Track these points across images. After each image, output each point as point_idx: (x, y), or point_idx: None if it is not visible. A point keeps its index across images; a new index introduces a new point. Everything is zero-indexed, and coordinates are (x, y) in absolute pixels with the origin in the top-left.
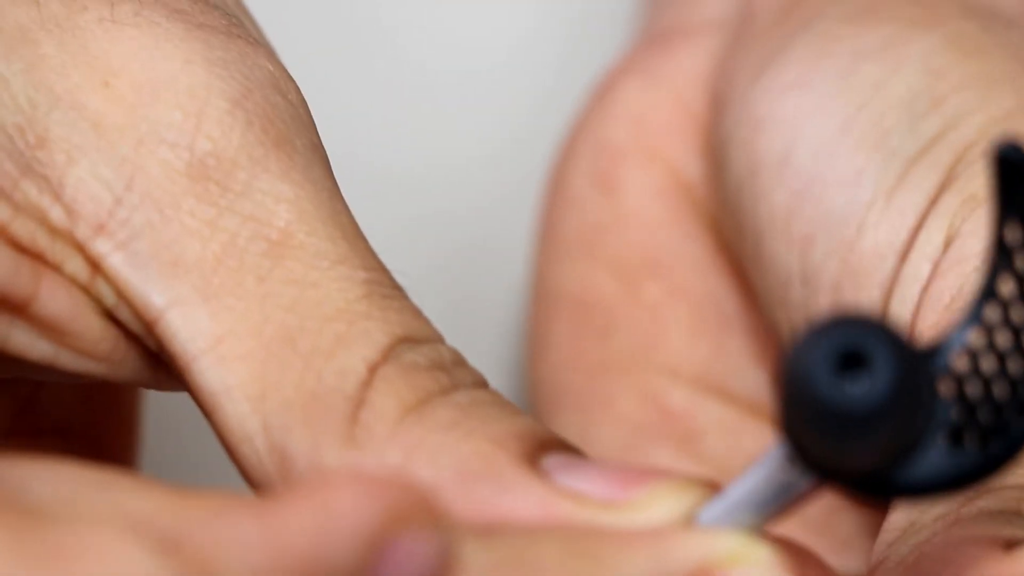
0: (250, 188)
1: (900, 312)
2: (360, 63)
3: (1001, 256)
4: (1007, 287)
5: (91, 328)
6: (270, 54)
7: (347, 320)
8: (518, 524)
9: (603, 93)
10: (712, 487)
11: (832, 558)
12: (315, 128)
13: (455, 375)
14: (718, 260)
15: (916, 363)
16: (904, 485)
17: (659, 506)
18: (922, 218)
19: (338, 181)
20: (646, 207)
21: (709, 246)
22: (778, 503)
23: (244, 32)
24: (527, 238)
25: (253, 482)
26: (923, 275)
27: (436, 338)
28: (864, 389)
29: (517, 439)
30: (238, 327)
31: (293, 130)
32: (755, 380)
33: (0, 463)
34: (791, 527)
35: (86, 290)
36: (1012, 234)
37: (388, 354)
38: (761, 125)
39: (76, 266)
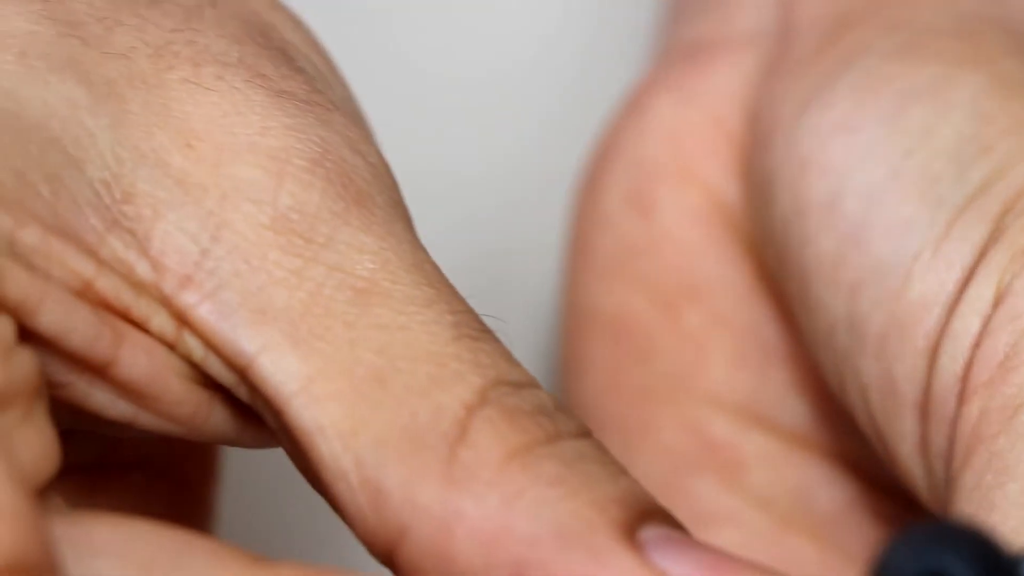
0: (333, 240)
1: (950, 367)
2: (379, 69)
3: None
4: None
5: (172, 391)
6: (349, 119)
7: (439, 362)
8: None
9: (635, 108)
10: None
11: None
12: (396, 187)
13: (558, 422)
14: (758, 287)
15: (1005, 568)
16: None
17: None
18: (971, 271)
19: None
20: (683, 230)
21: (748, 273)
22: None
23: (323, 99)
24: (551, 248)
25: (348, 520)
26: (973, 331)
27: (533, 383)
28: None
29: (619, 505)
30: (328, 368)
31: (373, 187)
32: (799, 410)
33: (74, 529)
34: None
35: (172, 347)
36: None
37: (485, 396)
38: (807, 166)
39: (162, 321)
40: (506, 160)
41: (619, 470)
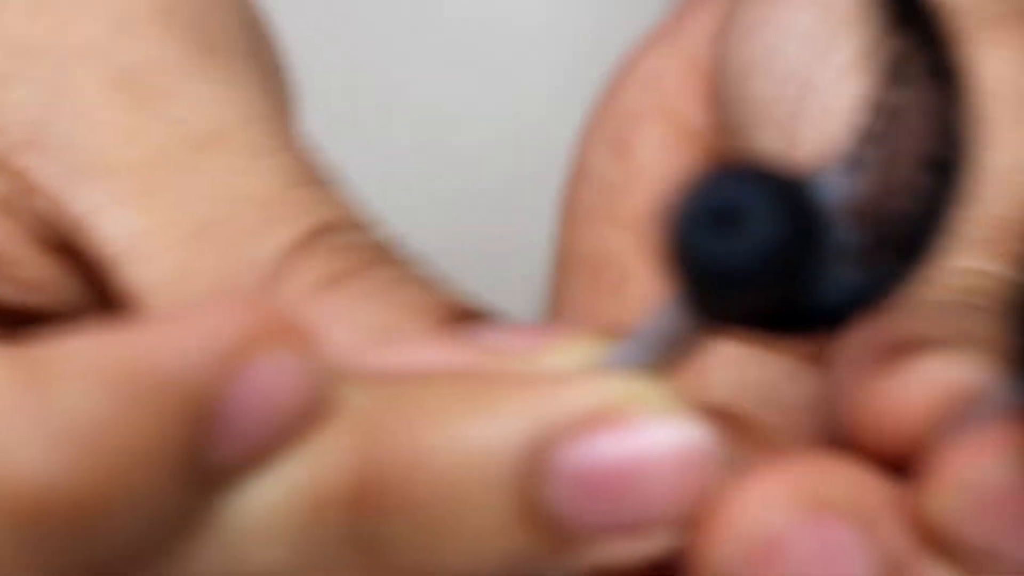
0: (174, 92)
1: None
2: (387, 35)
3: (888, 68)
4: (897, 99)
5: (23, 256)
6: None
7: (269, 208)
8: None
9: (624, 67)
10: (615, 333)
11: None
12: (258, 35)
13: (381, 254)
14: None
15: (801, 200)
16: (812, 316)
17: (563, 355)
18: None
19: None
20: (658, 163)
21: None
22: (677, 349)
23: None
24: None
25: None
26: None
27: (365, 225)
28: (743, 248)
29: (438, 308)
30: (163, 223)
31: (224, 36)
32: None
33: None
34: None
35: (19, 213)
36: (896, 45)
37: (310, 238)
38: (749, 29)
39: (5, 186)
40: (511, 129)
41: (440, 287)
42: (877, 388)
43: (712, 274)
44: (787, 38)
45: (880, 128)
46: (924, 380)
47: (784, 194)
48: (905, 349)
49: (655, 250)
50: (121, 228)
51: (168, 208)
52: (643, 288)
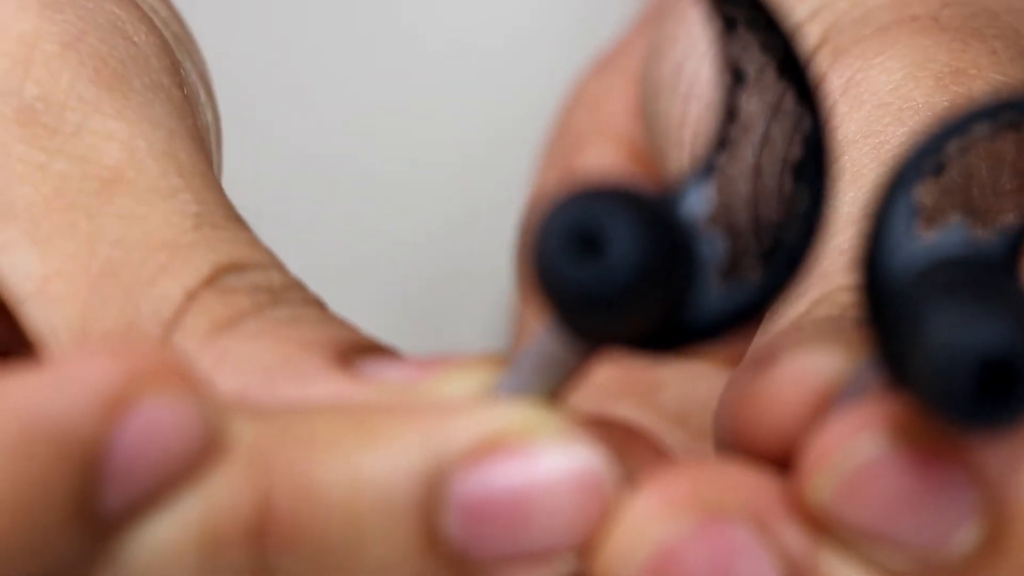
0: (80, 129)
1: None
2: (358, 53)
3: (734, 73)
4: (748, 103)
5: None
6: (123, 1)
7: (172, 251)
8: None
9: (573, 91)
10: (502, 360)
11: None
12: (167, 68)
13: (281, 295)
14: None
15: (664, 216)
16: (686, 333)
17: (454, 384)
18: None
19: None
20: None
21: None
22: (559, 374)
23: None
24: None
25: None
26: None
27: (269, 264)
28: (606, 270)
29: (330, 344)
30: (66, 267)
31: (132, 70)
32: None
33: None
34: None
35: None
36: (740, 49)
37: (210, 281)
38: (659, 49)
39: None
40: (478, 150)
41: (341, 323)
42: (751, 389)
43: (577, 300)
44: (690, 57)
45: (731, 134)
46: (793, 375)
47: (644, 213)
48: (777, 352)
49: (522, 275)
50: (24, 272)
51: (70, 253)
52: None
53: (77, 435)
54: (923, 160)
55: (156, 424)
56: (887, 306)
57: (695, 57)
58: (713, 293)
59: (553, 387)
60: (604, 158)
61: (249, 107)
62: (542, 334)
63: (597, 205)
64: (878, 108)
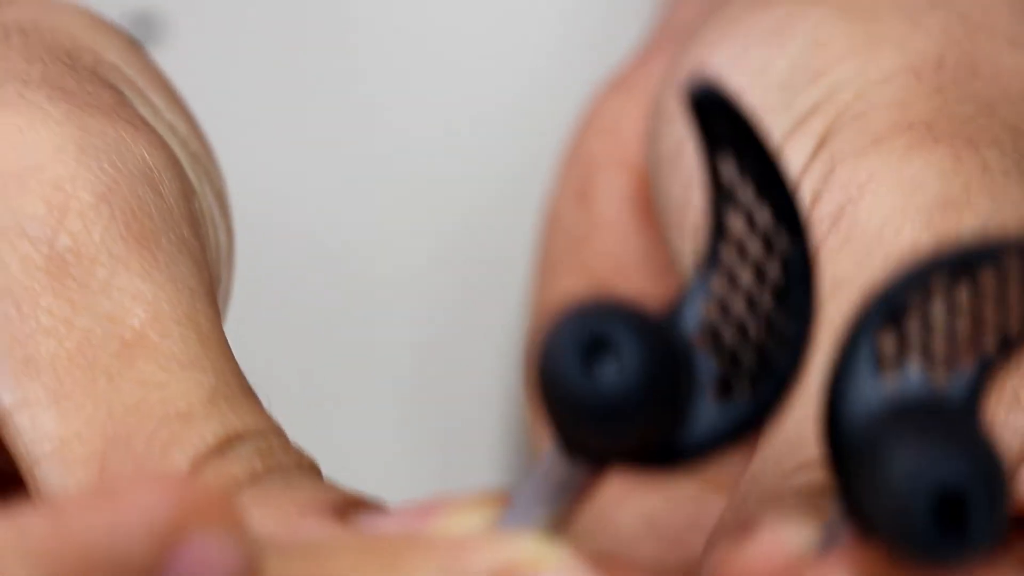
0: (108, 286)
1: None
2: (364, 64)
3: (722, 195)
4: (736, 224)
5: None
6: (152, 138)
7: (184, 422)
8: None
9: (589, 112)
10: (505, 496)
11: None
12: (192, 222)
13: (277, 461)
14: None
15: (664, 333)
16: (683, 451)
17: (459, 526)
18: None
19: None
20: (616, 214)
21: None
22: (566, 497)
23: (129, 113)
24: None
25: None
26: None
27: (269, 431)
28: (610, 379)
29: (326, 503)
30: (84, 429)
31: (160, 226)
32: None
33: None
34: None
35: None
36: (727, 169)
37: (215, 451)
38: (662, 118)
39: None
40: (493, 164)
41: (332, 485)
42: (731, 556)
43: (583, 407)
44: (689, 138)
45: (721, 252)
46: (770, 546)
47: (649, 327)
48: (755, 522)
49: (531, 389)
50: (43, 432)
51: (88, 415)
52: None
53: (134, 563)
54: (883, 308)
55: (205, 557)
56: (849, 449)
57: (693, 144)
58: (707, 411)
59: (559, 512)
60: (620, 190)
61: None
62: (547, 458)
63: (605, 318)
64: (866, 247)
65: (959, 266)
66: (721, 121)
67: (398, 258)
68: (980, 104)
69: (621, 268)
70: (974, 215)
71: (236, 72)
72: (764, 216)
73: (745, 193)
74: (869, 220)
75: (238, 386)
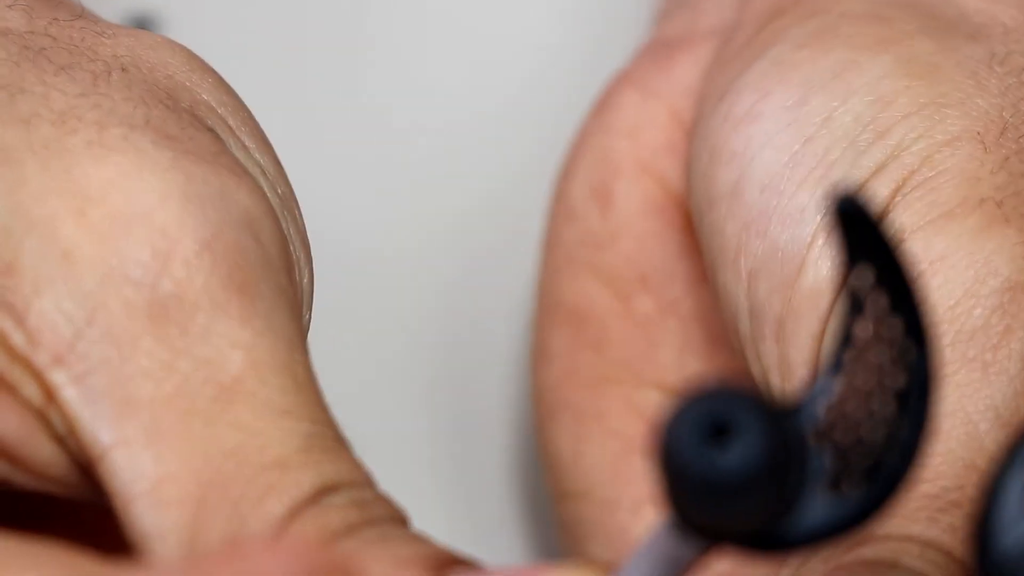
0: (208, 332)
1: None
2: (368, 63)
3: (853, 302)
4: (863, 331)
5: (43, 452)
6: (252, 186)
7: (282, 470)
8: None
9: (604, 105)
10: (609, 568)
11: None
12: (289, 267)
13: (371, 512)
14: (705, 276)
15: (785, 423)
16: (790, 538)
17: None
18: None
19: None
20: (638, 221)
21: (697, 262)
22: (671, 572)
23: (229, 160)
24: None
25: None
26: None
27: (363, 482)
28: (733, 459)
29: (425, 558)
30: (179, 471)
31: (260, 275)
32: None
33: None
34: None
35: (40, 415)
36: (860, 280)
37: (312, 501)
38: (716, 156)
39: (32, 392)
40: (496, 161)
41: (425, 540)
42: None
43: (701, 485)
44: (750, 185)
45: (844, 358)
46: None
47: (769, 414)
48: None
49: (651, 467)
50: (139, 472)
51: (184, 458)
52: (623, 351)
53: None
54: None
55: None
56: None
57: (754, 188)
58: (817, 503)
59: None
60: (643, 196)
61: None
62: (658, 532)
63: (730, 401)
64: (938, 328)
65: None
66: (864, 235)
67: (402, 253)
68: None
69: (642, 277)
70: None
71: (236, 72)
72: (895, 327)
73: (877, 304)
74: (940, 298)
75: (332, 436)
